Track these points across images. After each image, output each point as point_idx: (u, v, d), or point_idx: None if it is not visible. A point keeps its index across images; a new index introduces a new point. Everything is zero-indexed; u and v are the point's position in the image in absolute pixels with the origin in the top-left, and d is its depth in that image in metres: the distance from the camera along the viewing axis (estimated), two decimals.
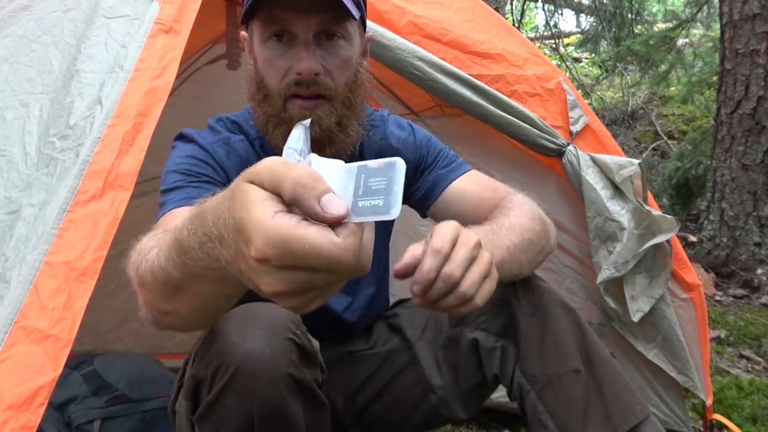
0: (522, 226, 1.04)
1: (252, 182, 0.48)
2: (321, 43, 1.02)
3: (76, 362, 1.79)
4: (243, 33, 1.12)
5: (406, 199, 1.31)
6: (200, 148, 1.09)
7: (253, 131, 1.17)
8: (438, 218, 1.29)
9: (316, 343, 0.99)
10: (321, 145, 1.06)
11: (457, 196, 1.24)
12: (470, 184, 1.25)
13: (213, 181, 1.05)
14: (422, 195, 1.27)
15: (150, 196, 1.96)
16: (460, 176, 1.25)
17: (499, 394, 1.49)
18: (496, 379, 1.15)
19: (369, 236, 0.51)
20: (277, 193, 0.47)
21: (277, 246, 0.45)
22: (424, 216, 1.31)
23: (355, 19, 1.02)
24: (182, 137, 1.13)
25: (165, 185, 1.04)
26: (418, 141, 1.28)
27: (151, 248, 0.71)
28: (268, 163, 0.48)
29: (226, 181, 1.08)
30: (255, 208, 0.46)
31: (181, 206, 0.97)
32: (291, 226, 0.45)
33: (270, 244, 0.45)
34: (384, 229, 1.28)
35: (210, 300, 0.69)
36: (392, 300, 1.41)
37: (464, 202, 1.23)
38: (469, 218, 1.23)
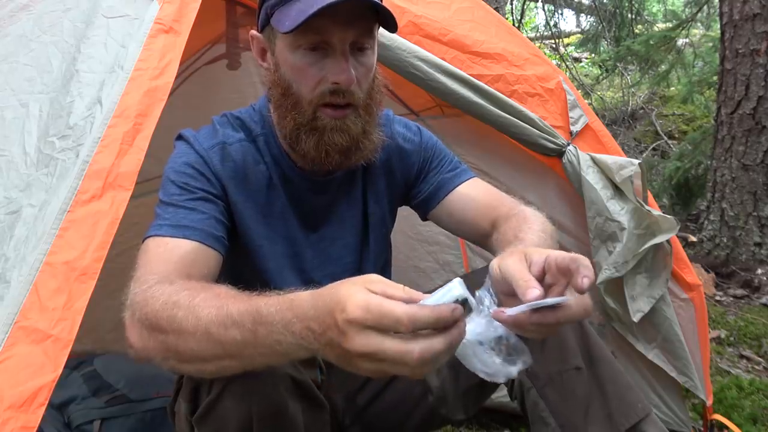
0: (546, 244, 1.03)
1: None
2: (353, 53, 1.02)
3: (76, 362, 1.79)
4: (253, 33, 1.10)
5: (407, 201, 1.31)
6: (197, 154, 1.08)
7: (257, 128, 1.16)
8: (440, 222, 1.28)
9: None
10: (348, 152, 1.07)
11: (462, 201, 1.23)
12: (475, 190, 1.24)
13: (207, 198, 1.05)
14: (424, 198, 1.26)
15: (150, 197, 1.95)
16: (464, 182, 1.24)
17: (500, 394, 1.50)
18: None
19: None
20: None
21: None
22: (424, 219, 1.31)
23: (394, 31, 1.03)
24: (181, 138, 1.13)
25: (163, 195, 1.05)
26: (424, 143, 1.27)
27: (193, 301, 0.78)
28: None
29: (220, 190, 1.09)
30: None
31: (173, 236, 0.98)
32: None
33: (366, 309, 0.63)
34: (383, 228, 1.28)
35: (251, 364, 0.77)
36: None
37: (469, 207, 1.23)
38: (472, 224, 1.23)
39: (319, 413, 1.00)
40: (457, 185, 1.24)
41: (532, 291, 0.72)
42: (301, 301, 0.70)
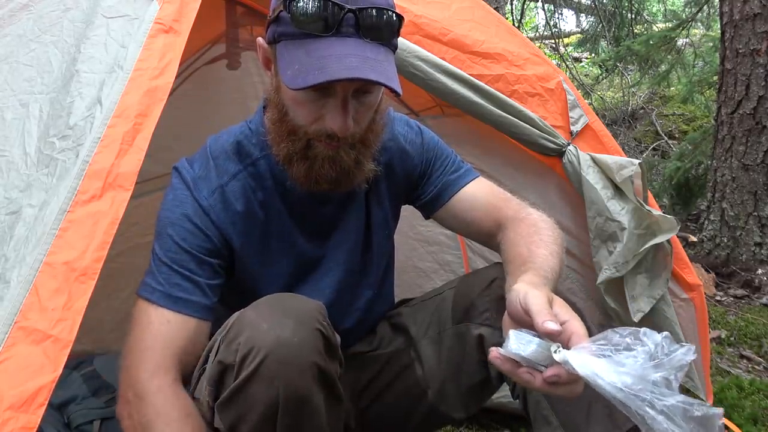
0: (559, 258, 1.06)
1: None
2: (356, 95, 1.00)
3: (76, 362, 1.79)
4: (261, 41, 1.07)
5: (411, 202, 1.31)
6: (197, 205, 1.07)
7: (256, 151, 1.14)
8: (444, 222, 1.28)
9: (338, 337, 1.00)
10: (338, 182, 1.06)
11: (467, 203, 1.23)
12: (480, 190, 1.24)
13: (203, 259, 1.05)
14: (429, 199, 1.26)
15: (150, 196, 1.95)
16: (469, 182, 1.24)
17: (500, 395, 1.50)
18: (501, 377, 1.15)
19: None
20: None
21: None
22: (427, 218, 1.31)
23: (398, 94, 0.98)
24: (179, 175, 1.10)
25: (159, 248, 1.04)
26: (426, 143, 1.26)
27: None
28: None
29: (220, 242, 1.08)
30: None
31: (167, 308, 1.01)
32: None
33: None
34: (385, 229, 1.28)
35: None
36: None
37: (473, 209, 1.22)
38: (477, 225, 1.23)
39: (338, 406, 1.00)
40: (462, 186, 1.24)
41: (550, 323, 0.76)
42: None
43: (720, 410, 0.70)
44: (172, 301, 1.01)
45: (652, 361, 0.72)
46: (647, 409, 0.69)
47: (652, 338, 0.74)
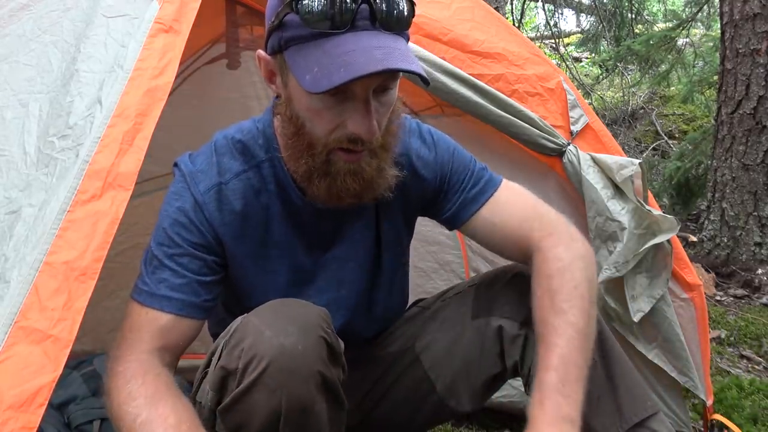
0: (583, 352, 0.97)
1: None
2: (375, 95, 0.94)
3: (76, 362, 1.79)
4: (261, 53, 1.00)
5: (431, 216, 1.25)
6: (193, 199, 1.04)
7: (261, 153, 1.09)
8: (473, 239, 1.23)
9: (341, 343, 1.00)
10: (361, 195, 1.01)
11: (485, 228, 1.16)
12: (501, 211, 1.16)
13: (194, 253, 1.03)
14: (449, 216, 1.20)
15: (150, 196, 1.96)
16: (490, 197, 1.16)
17: (500, 394, 1.50)
18: (515, 368, 1.15)
19: None
20: None
21: None
22: (450, 230, 1.28)
23: (428, 84, 0.97)
24: (179, 170, 1.09)
25: (154, 240, 1.04)
26: (439, 157, 1.18)
27: (135, 423, 0.86)
28: None
29: (213, 240, 1.05)
30: None
31: (151, 307, 1.00)
32: None
33: None
34: (398, 246, 1.25)
35: None
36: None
37: (492, 235, 1.17)
38: (501, 251, 1.20)
39: (341, 413, 1.00)
40: (482, 204, 1.16)
41: None
42: None
43: None
44: (154, 299, 1.00)
45: None
46: None
47: None
